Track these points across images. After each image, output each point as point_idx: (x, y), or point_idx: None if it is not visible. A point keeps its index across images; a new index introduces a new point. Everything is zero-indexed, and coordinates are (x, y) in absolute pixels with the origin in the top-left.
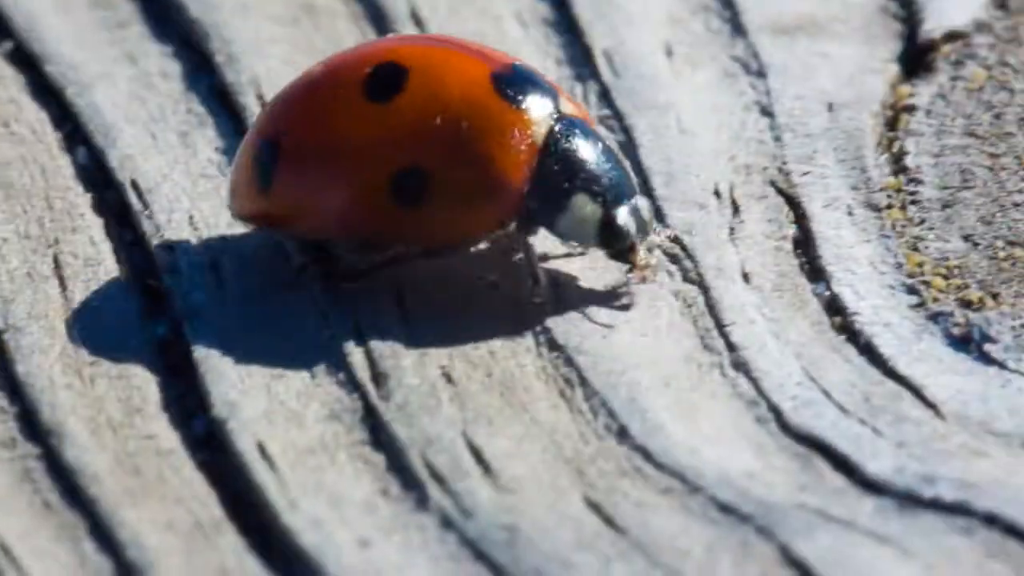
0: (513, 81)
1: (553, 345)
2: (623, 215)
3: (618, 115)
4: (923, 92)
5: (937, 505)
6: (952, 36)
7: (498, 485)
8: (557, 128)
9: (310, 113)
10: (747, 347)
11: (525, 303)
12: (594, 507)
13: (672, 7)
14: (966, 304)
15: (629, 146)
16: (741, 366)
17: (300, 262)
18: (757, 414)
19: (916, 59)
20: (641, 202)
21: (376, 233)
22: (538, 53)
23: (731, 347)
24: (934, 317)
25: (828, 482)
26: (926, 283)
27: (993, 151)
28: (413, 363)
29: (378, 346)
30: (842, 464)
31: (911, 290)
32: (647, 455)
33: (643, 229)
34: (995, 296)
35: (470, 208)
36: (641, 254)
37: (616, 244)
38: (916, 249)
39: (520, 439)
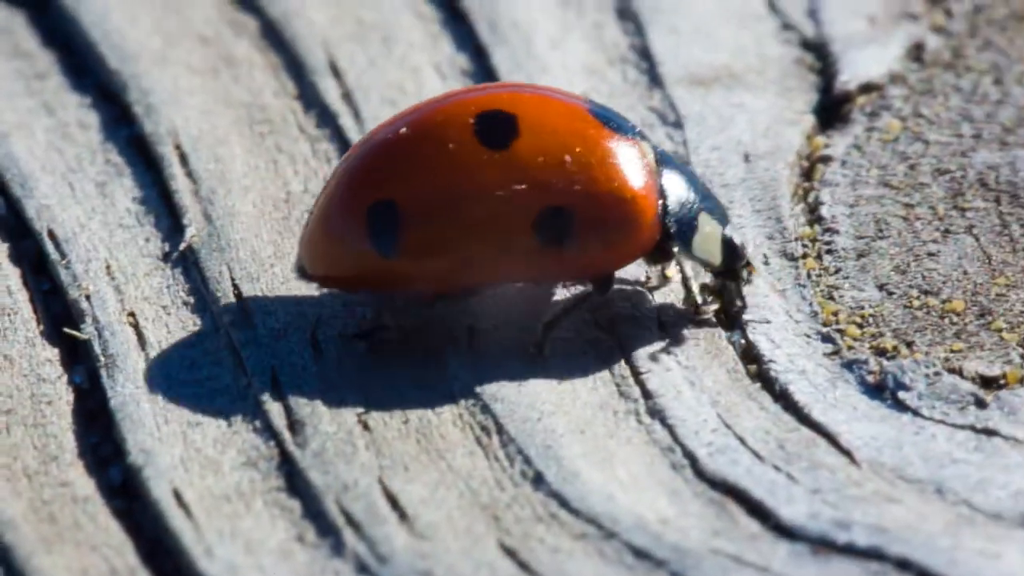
0: (606, 115)
1: (469, 392)
2: (736, 233)
3: None
4: (838, 143)
5: (851, 550)
6: (867, 88)
7: (414, 531)
8: (659, 152)
9: (427, 169)
10: (663, 394)
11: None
12: (509, 553)
13: (590, 59)
14: (880, 352)
15: None
16: (657, 413)
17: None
18: (672, 460)
19: (832, 110)
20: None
21: (520, 276)
22: None
23: (647, 394)
24: (849, 365)
25: (742, 528)
26: (841, 331)
27: (907, 201)
28: (329, 410)
29: (295, 394)
30: (756, 510)
31: (826, 338)
32: (563, 501)
33: (747, 249)
34: (909, 344)
35: (615, 239)
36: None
37: (735, 261)
38: (831, 298)
39: (436, 485)
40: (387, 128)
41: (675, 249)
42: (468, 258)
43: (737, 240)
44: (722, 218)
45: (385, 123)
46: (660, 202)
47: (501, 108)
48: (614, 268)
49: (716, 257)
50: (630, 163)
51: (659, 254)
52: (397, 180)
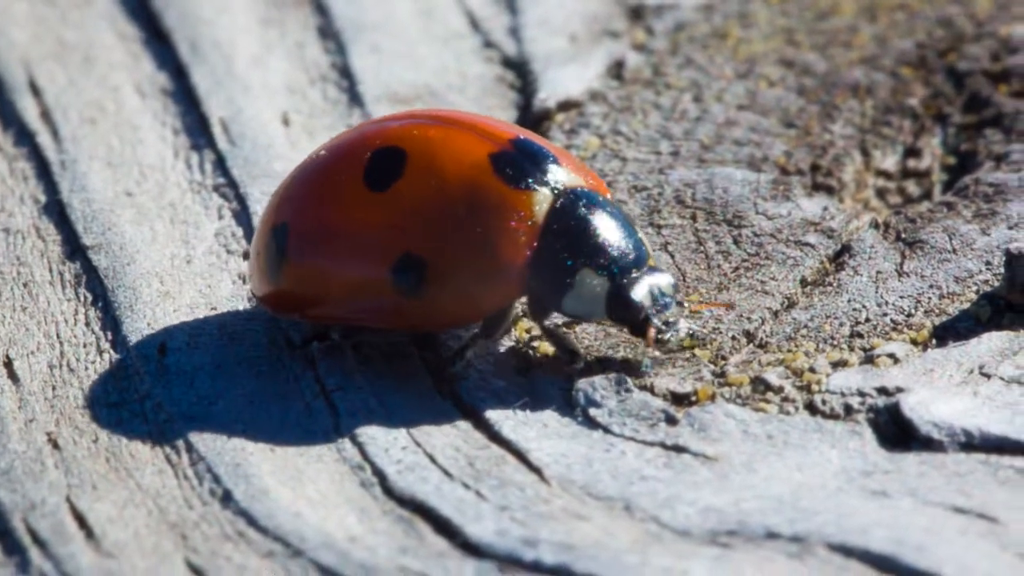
0: (514, 160)
1: (160, 411)
2: (635, 288)
3: (233, 183)
4: None
5: (538, 568)
6: (566, 105)
7: (101, 550)
8: (560, 203)
9: (316, 198)
10: (354, 412)
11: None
12: (196, 571)
13: (290, 77)
14: None
15: (243, 214)
16: (347, 431)
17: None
18: (362, 478)
19: (531, 128)
20: (660, 276)
21: (381, 321)
22: (155, 123)
23: (338, 412)
24: (541, 382)
25: (430, 545)
26: (534, 349)
27: None
28: (20, 429)
29: None
30: (444, 528)
31: (519, 356)
32: (251, 519)
33: (658, 302)
34: (601, 361)
35: (470, 294)
36: (656, 328)
37: (628, 318)
38: (525, 315)
39: (124, 504)
40: (318, 151)
41: (544, 306)
42: (335, 294)
43: (633, 296)
44: (624, 271)
45: (327, 144)
46: (528, 260)
47: (398, 145)
48: (473, 320)
49: (600, 315)
50: (501, 217)
51: (537, 307)
52: (293, 204)
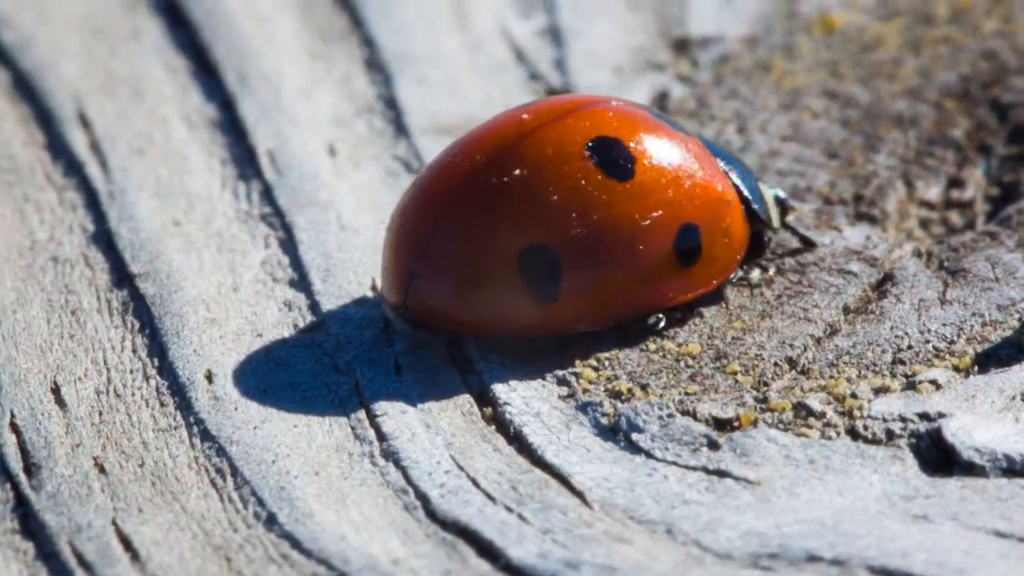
0: (676, 123)
1: (206, 435)
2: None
3: (279, 213)
4: None
5: None
6: None
7: (146, 572)
8: (708, 144)
9: (572, 212)
10: (397, 436)
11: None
12: None
13: (337, 109)
14: (615, 395)
15: (289, 243)
16: (391, 455)
17: None
18: (405, 502)
19: None
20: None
21: (661, 300)
22: (203, 153)
23: (382, 436)
24: (583, 407)
25: (473, 568)
26: (576, 375)
27: None
28: (66, 453)
29: (32, 437)
30: (487, 550)
31: (561, 381)
32: (294, 542)
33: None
34: (644, 387)
35: (734, 247)
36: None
37: (789, 212)
38: (567, 341)
39: (170, 527)
40: (491, 173)
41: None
42: (617, 295)
43: (781, 194)
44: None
45: (455, 159)
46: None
47: (605, 135)
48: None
49: (779, 217)
50: (721, 171)
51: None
52: (546, 228)
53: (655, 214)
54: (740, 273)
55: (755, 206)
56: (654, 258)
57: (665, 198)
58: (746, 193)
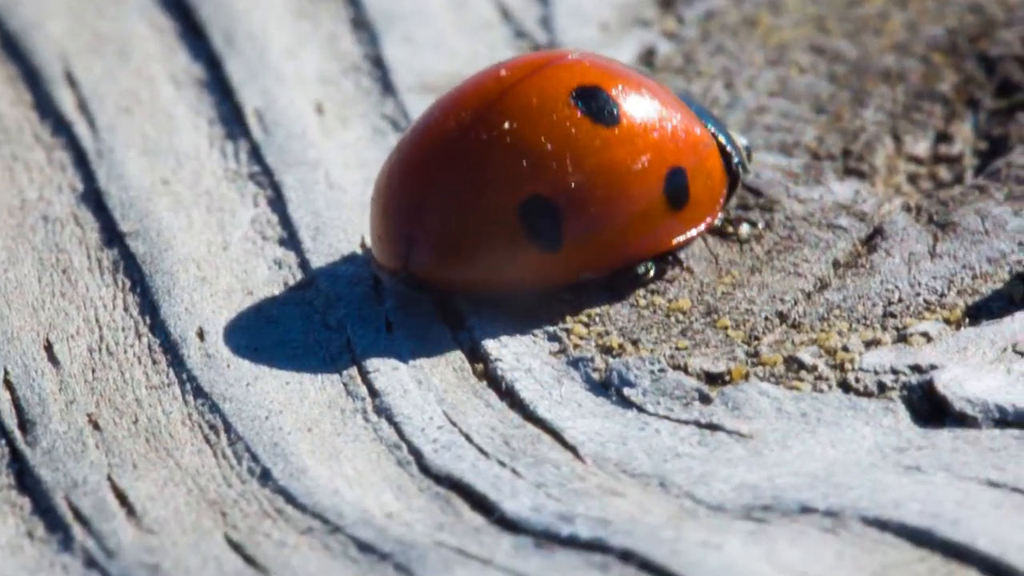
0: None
1: (199, 392)
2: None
3: (268, 171)
4: None
5: (574, 542)
6: None
7: (142, 526)
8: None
9: (566, 160)
10: (389, 392)
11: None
12: (236, 547)
13: (323, 67)
14: (606, 350)
15: (278, 202)
16: (383, 411)
17: None
18: (399, 457)
19: None
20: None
21: (658, 244)
22: (190, 112)
23: (374, 392)
24: (575, 363)
25: (467, 521)
26: (567, 330)
27: None
28: (60, 410)
29: (26, 394)
30: (480, 504)
31: (552, 337)
32: (289, 497)
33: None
34: (635, 342)
35: (716, 190)
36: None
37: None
38: (558, 298)
39: (164, 482)
40: (483, 126)
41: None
42: (615, 240)
43: (745, 141)
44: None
45: (453, 102)
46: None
47: (586, 84)
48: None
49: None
50: (699, 122)
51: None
52: (544, 177)
53: (644, 158)
54: (728, 227)
55: (728, 148)
56: (647, 201)
57: (652, 142)
58: (720, 137)
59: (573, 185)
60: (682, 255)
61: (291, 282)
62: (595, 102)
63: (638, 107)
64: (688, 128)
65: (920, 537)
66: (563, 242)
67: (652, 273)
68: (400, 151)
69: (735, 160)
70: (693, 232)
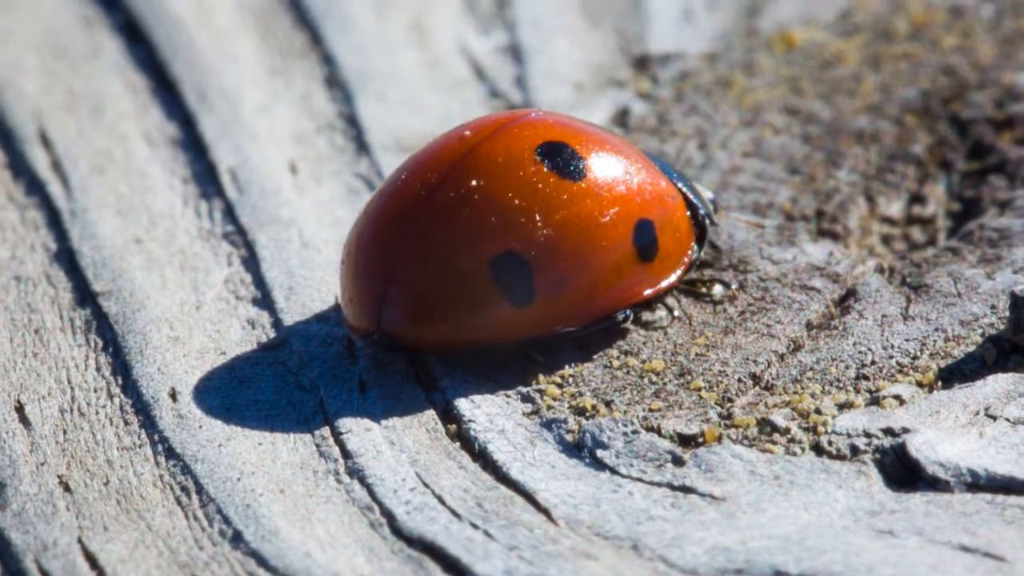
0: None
1: (171, 453)
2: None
3: (241, 231)
4: None
5: None
6: None
7: None
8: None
9: (535, 215)
10: (362, 454)
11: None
12: None
13: (298, 126)
14: (580, 412)
15: (251, 261)
16: (356, 472)
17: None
18: (371, 519)
19: None
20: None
21: (629, 296)
22: (164, 171)
23: (347, 454)
24: (548, 424)
25: None
26: (541, 391)
27: None
28: (31, 471)
29: None
30: (453, 567)
31: (526, 398)
32: (260, 559)
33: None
34: (608, 404)
35: (684, 242)
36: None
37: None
38: (531, 359)
39: (135, 545)
40: (445, 189)
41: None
42: (584, 293)
43: (711, 193)
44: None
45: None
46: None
47: (551, 140)
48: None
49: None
50: (665, 178)
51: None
52: (514, 233)
53: (612, 211)
54: (702, 287)
55: (694, 200)
56: (617, 253)
57: (618, 195)
58: (685, 190)
59: (543, 239)
60: (671, 302)
61: (264, 342)
62: (560, 157)
63: (603, 161)
64: (654, 181)
65: None
66: (535, 296)
67: (631, 320)
68: (368, 214)
69: (701, 212)
70: (664, 284)
